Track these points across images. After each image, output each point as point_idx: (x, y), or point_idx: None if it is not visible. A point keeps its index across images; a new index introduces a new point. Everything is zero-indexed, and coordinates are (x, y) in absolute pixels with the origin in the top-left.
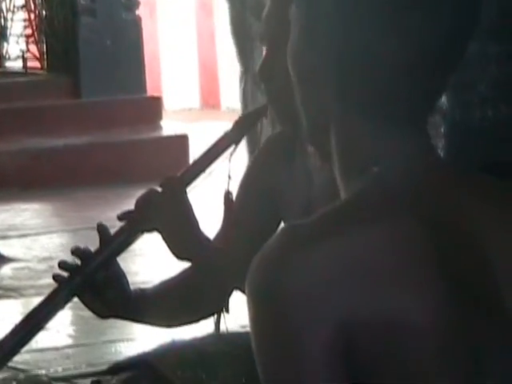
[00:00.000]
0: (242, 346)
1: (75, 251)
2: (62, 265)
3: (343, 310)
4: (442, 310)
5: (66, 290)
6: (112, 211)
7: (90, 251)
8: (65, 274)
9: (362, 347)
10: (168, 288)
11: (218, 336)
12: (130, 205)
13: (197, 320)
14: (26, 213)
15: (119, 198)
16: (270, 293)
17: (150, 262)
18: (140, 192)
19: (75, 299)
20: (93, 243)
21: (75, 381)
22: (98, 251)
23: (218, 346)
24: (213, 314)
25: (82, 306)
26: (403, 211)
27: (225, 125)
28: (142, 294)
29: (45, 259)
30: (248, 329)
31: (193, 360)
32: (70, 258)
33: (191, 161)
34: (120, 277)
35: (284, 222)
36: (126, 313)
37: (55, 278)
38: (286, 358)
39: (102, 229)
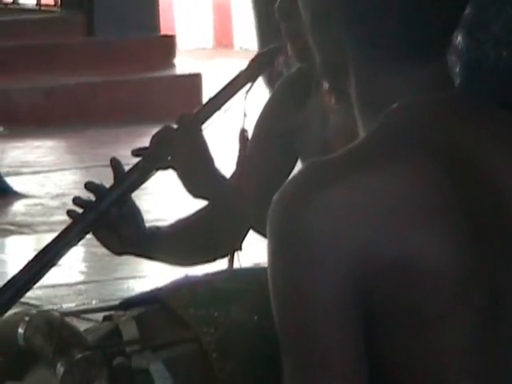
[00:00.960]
0: (255, 283)
1: (89, 186)
2: (77, 201)
3: (362, 250)
4: (462, 253)
5: (79, 226)
6: (124, 149)
7: (104, 187)
8: (79, 210)
9: (379, 288)
10: (183, 227)
11: (231, 273)
12: (142, 143)
13: (211, 260)
14: (39, 150)
15: (132, 135)
16: (290, 230)
17: (163, 199)
18: (153, 130)
19: (89, 235)
20: (105, 181)
21: (87, 316)
22: (112, 187)
23: (231, 283)
24: (227, 254)
25: (94, 242)
26: (421, 148)
27: (238, 64)
28: (157, 231)
29: (57, 196)
30: (262, 265)
31: (205, 297)
32: (83, 195)
33: (205, 99)
34: (135, 213)
35: (301, 162)
36: (139, 250)
37: (69, 213)
38: (302, 296)
39: (115, 164)
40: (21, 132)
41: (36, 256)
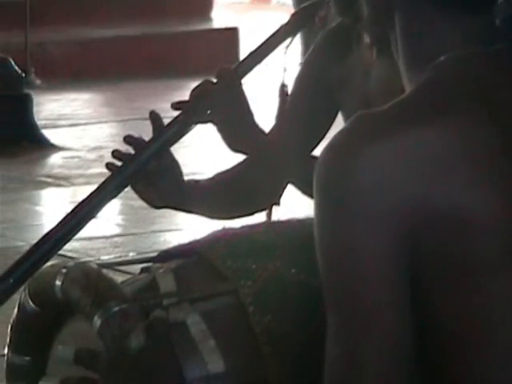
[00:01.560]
0: (294, 236)
1: (128, 139)
2: (115, 154)
3: (411, 202)
4: (510, 207)
5: (118, 179)
6: (162, 102)
7: (142, 140)
8: (118, 163)
9: (427, 241)
10: (222, 180)
11: (269, 226)
12: (179, 96)
13: (249, 214)
14: (76, 103)
15: (169, 89)
16: (338, 181)
17: (200, 153)
18: (190, 84)
19: (126, 188)
20: (143, 134)
21: (124, 268)
22: (150, 141)
23: (269, 236)
24: (265, 209)
25: (132, 195)
26: (472, 102)
27: (275, 18)
28: (196, 185)
29: (94, 149)
30: (300, 218)
31: (243, 249)
32: (120, 148)
33: (242, 54)
34: (174, 167)
35: (342, 116)
36: (178, 203)
37: (108, 166)
38: (350, 248)
39: (154, 117)
40: (58, 84)
41: (75, 208)
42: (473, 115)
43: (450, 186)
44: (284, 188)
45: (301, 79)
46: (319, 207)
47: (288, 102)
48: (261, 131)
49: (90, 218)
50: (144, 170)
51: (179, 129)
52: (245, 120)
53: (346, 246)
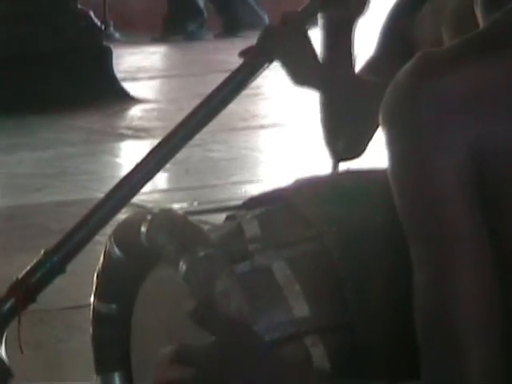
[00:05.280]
0: (378, 183)
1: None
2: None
3: (476, 136)
4: None
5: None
6: (236, 55)
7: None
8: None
9: (492, 175)
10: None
11: (356, 172)
12: None
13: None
14: (155, 56)
15: (247, 43)
16: (405, 117)
17: (279, 104)
18: None
19: (208, 139)
20: None
21: (209, 219)
22: (222, 84)
23: (354, 182)
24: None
25: (212, 147)
26: None
27: None
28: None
29: (173, 100)
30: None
31: (328, 196)
32: (197, 102)
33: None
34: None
35: None
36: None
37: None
38: (421, 182)
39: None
40: (137, 38)
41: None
42: None
43: None
44: (371, 135)
45: (383, 25)
46: (387, 146)
47: (374, 48)
48: (326, 68)
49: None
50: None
51: (248, 72)
52: (311, 60)
53: (414, 179)
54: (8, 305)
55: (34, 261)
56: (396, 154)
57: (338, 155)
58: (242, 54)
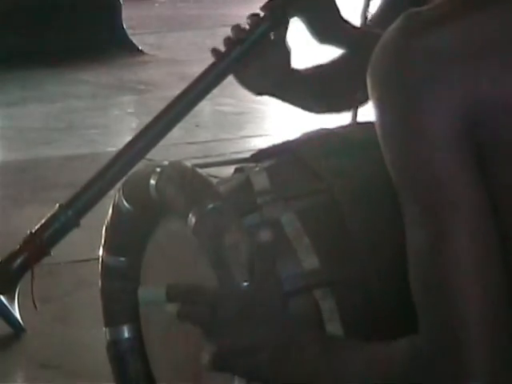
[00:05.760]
0: None
1: (234, 27)
2: (226, 41)
3: (467, 91)
4: None
5: (225, 62)
6: (247, 10)
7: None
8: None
9: (486, 131)
10: (320, 68)
11: (365, 124)
12: (263, 2)
13: (343, 109)
14: (164, 9)
15: None
16: (394, 78)
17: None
18: None
19: (216, 91)
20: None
21: (217, 172)
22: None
23: (364, 134)
24: (356, 106)
25: (221, 100)
26: None
27: None
28: (297, 70)
29: (182, 54)
30: None
31: (337, 148)
32: (206, 56)
33: None
34: (285, 42)
35: None
36: (280, 86)
37: (213, 52)
38: (414, 145)
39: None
40: None
41: (179, 96)
42: None
43: (505, 73)
44: None
45: None
46: (379, 107)
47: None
48: (349, 25)
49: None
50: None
51: (269, 25)
52: (333, 15)
53: (411, 134)
54: (21, 259)
55: (48, 215)
56: (387, 116)
57: (358, 104)
58: (264, 7)
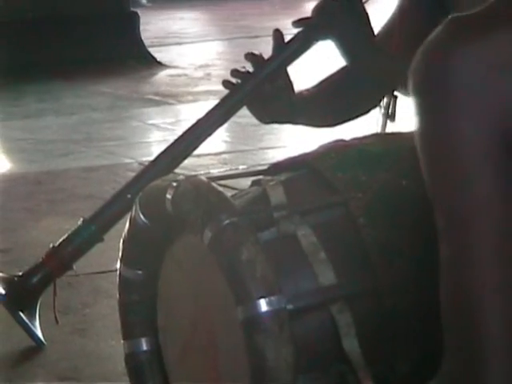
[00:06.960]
0: (404, 147)
1: (249, 56)
2: (234, 73)
3: (508, 99)
4: None
5: (238, 96)
6: (268, 21)
7: (262, 58)
8: (233, 81)
9: None
10: (329, 85)
11: (380, 136)
12: (287, 15)
13: (353, 117)
14: (183, 21)
15: (275, 8)
16: (437, 84)
17: (305, 71)
18: (297, 4)
19: None
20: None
21: (233, 184)
22: (271, 58)
23: (379, 147)
24: (368, 111)
25: (240, 112)
26: None
27: None
28: (304, 95)
29: (201, 66)
30: (410, 131)
31: (353, 161)
32: (225, 67)
33: None
34: (288, 88)
35: None
36: (287, 119)
37: (224, 84)
38: (450, 152)
39: (277, 35)
40: (164, 4)
41: (193, 125)
42: None
43: None
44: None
45: None
46: (419, 110)
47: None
48: (380, 48)
49: (209, 135)
50: (259, 91)
51: (300, 45)
52: (364, 36)
53: (448, 143)
54: (42, 273)
55: (72, 229)
56: (428, 122)
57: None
58: (297, 23)
